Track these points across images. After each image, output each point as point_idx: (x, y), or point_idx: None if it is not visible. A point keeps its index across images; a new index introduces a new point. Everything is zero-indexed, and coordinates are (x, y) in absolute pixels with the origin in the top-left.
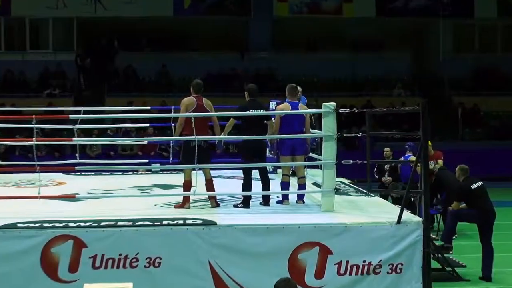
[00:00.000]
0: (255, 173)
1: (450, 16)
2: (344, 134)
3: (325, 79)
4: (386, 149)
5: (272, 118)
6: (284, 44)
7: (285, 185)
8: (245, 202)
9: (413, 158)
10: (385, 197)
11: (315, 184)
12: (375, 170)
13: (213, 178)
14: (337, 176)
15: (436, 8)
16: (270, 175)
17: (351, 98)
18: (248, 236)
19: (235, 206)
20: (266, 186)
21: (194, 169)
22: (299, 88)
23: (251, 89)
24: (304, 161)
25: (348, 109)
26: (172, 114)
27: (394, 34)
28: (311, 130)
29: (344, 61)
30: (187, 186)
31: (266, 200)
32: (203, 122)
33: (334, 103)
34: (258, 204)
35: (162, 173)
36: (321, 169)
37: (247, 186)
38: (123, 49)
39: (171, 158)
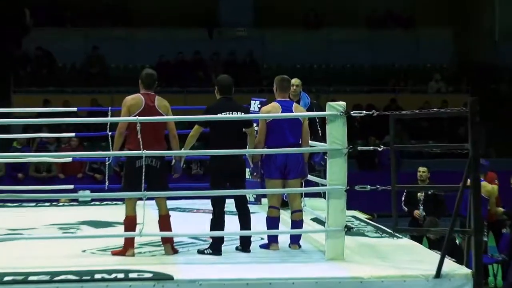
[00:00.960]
0: (230, 205)
1: None
2: (359, 148)
3: (330, 68)
4: (421, 170)
5: (255, 125)
6: (271, 19)
7: (272, 222)
8: (215, 247)
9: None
10: (418, 239)
11: (316, 220)
12: (403, 199)
13: (170, 213)
14: (349, 208)
15: None
16: (252, 207)
17: (369, 95)
18: None
19: (201, 252)
20: (245, 223)
21: (141, 199)
22: (294, 81)
23: (222, 83)
24: (301, 187)
25: (364, 111)
26: (109, 119)
27: (429, 5)
28: (316, 142)
29: (358, 43)
30: (130, 223)
31: (245, 244)
32: (155, 130)
33: (343, 103)
34: (234, 250)
35: (94, 205)
36: (325, 198)
37: (217, 223)
38: (37, 24)
39: (107, 182)
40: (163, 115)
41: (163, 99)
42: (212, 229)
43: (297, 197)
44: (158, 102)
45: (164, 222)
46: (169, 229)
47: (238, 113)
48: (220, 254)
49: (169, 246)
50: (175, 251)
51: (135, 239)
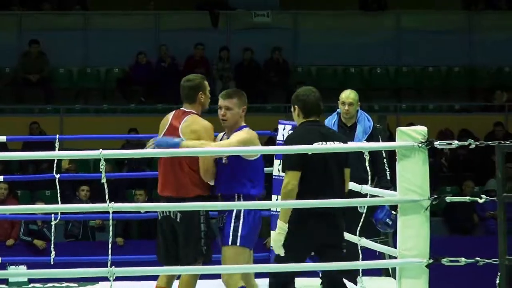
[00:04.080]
0: None
1: None
2: (447, 198)
3: (402, 73)
4: None
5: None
6: None
7: None
8: None
9: None
10: None
11: None
12: None
13: None
14: None
15: None
16: None
17: (464, 115)
18: None
19: None
20: None
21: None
22: (347, 96)
23: (307, 98)
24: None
25: (456, 141)
26: (57, 153)
27: None
28: (381, 190)
29: (447, 34)
30: None
31: None
32: (172, 165)
33: (423, 128)
34: None
35: None
36: (394, 278)
37: None
38: None
39: (52, 253)
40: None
41: (198, 121)
42: None
43: None
44: (184, 124)
45: None
46: None
47: (336, 143)
48: None
49: None
50: None
51: None
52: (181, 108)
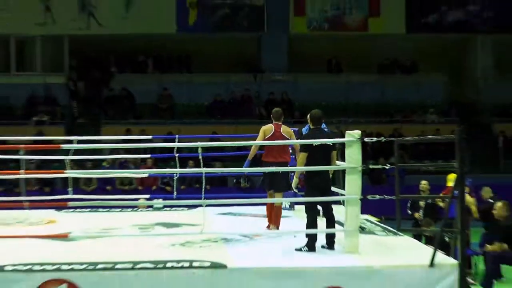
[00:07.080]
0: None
1: (491, 32)
2: (370, 166)
3: (349, 104)
4: (423, 183)
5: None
6: (302, 65)
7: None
8: (310, 245)
9: (468, 197)
10: (418, 237)
11: (337, 222)
12: (408, 205)
13: (226, 215)
14: (362, 213)
15: (474, 23)
16: (286, 212)
17: (379, 125)
18: (261, 280)
19: (298, 249)
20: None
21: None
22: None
23: (316, 115)
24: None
25: (375, 138)
26: (176, 144)
27: (427, 53)
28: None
29: (371, 85)
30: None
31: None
32: (279, 147)
33: (358, 131)
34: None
35: (165, 210)
36: (343, 205)
37: (312, 225)
38: (120, 70)
39: (175, 193)
40: (287, 138)
41: (287, 127)
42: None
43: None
44: (282, 129)
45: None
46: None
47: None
48: (315, 251)
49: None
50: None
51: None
52: (275, 123)
